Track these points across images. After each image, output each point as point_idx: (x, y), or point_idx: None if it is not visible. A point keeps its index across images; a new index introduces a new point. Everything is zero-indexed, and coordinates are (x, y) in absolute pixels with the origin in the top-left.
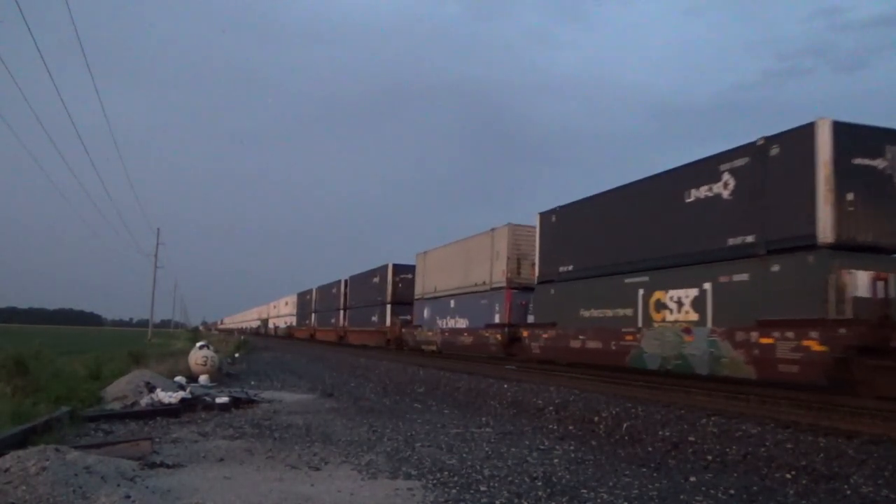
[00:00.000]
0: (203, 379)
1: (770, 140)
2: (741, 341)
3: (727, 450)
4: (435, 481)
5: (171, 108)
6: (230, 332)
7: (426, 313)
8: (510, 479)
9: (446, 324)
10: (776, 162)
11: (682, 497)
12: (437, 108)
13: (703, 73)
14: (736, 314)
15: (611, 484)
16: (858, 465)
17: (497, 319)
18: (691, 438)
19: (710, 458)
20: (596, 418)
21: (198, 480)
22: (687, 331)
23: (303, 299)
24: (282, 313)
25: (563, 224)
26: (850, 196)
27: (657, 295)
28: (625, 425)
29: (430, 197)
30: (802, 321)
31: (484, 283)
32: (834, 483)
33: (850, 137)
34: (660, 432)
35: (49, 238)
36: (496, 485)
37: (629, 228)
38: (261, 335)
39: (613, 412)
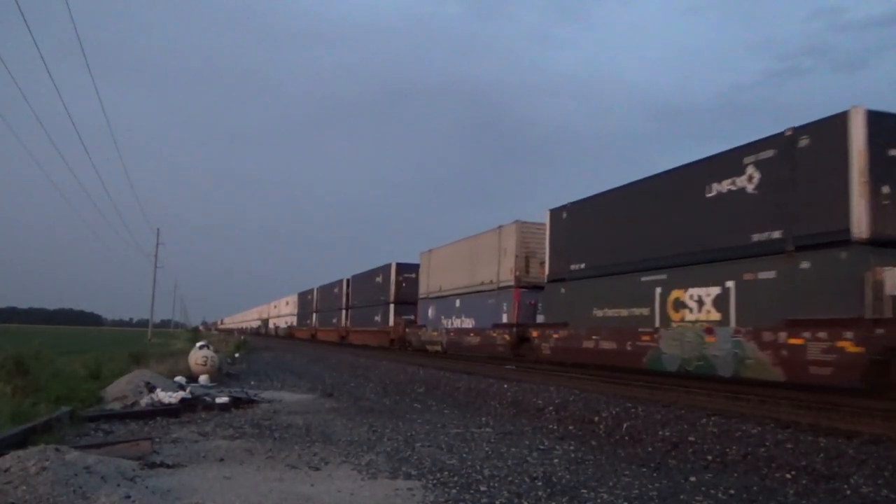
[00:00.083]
0: (203, 379)
1: (799, 131)
2: (768, 342)
3: (727, 450)
4: (435, 481)
5: (171, 108)
6: (230, 332)
7: (431, 313)
8: (510, 479)
9: (452, 324)
10: (805, 154)
11: (682, 497)
12: (437, 108)
13: (703, 74)
14: (761, 313)
15: (611, 484)
16: (858, 465)
17: (505, 319)
18: (691, 438)
19: (710, 458)
20: (596, 418)
21: (198, 480)
22: (709, 331)
23: (304, 299)
24: (282, 313)
25: (574, 221)
26: (885, 189)
27: (676, 293)
28: (625, 425)
29: (431, 197)
30: (836, 321)
31: (491, 281)
32: (834, 483)
33: (885, 127)
34: (660, 432)
35: (49, 238)
36: (496, 485)
37: (645, 225)
38: (261, 335)
39: (613, 412)
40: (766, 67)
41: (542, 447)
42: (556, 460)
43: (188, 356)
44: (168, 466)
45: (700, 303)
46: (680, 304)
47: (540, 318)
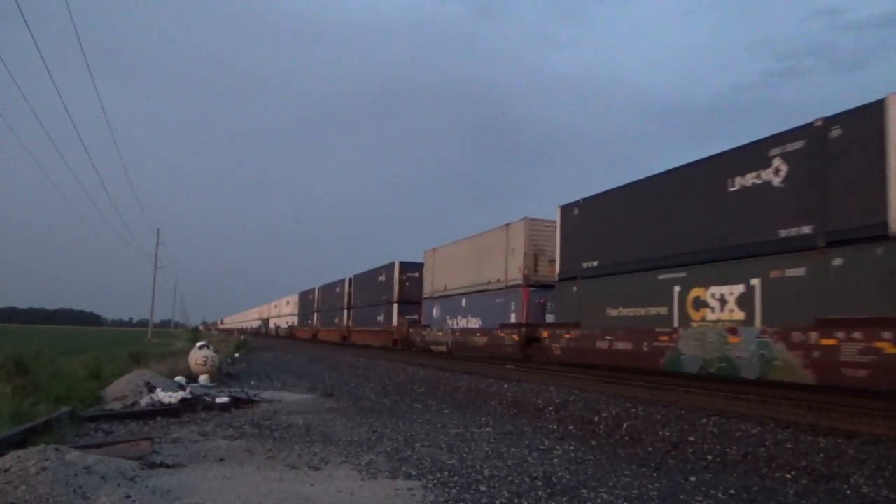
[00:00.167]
0: (203, 379)
1: (830, 120)
2: (798, 342)
3: (727, 450)
4: (435, 481)
5: (171, 108)
6: (230, 332)
7: (435, 313)
8: (510, 479)
9: (457, 324)
10: (838, 144)
11: (682, 497)
12: (437, 108)
13: (703, 74)
14: (789, 312)
15: (611, 484)
16: (858, 465)
17: (513, 319)
18: (691, 438)
19: (710, 458)
20: (596, 418)
21: (198, 480)
22: (732, 331)
23: (305, 299)
24: (283, 313)
25: (587, 217)
26: None
27: (696, 292)
28: (625, 425)
29: (431, 196)
30: (873, 320)
31: (498, 280)
32: (834, 483)
33: None
34: (660, 432)
35: (49, 238)
36: (496, 485)
37: (663, 221)
38: (261, 335)
39: (613, 412)
40: (766, 67)
41: (542, 447)
42: (556, 460)
43: (188, 356)
44: (168, 466)
45: (722, 301)
46: (700, 303)
47: (550, 318)
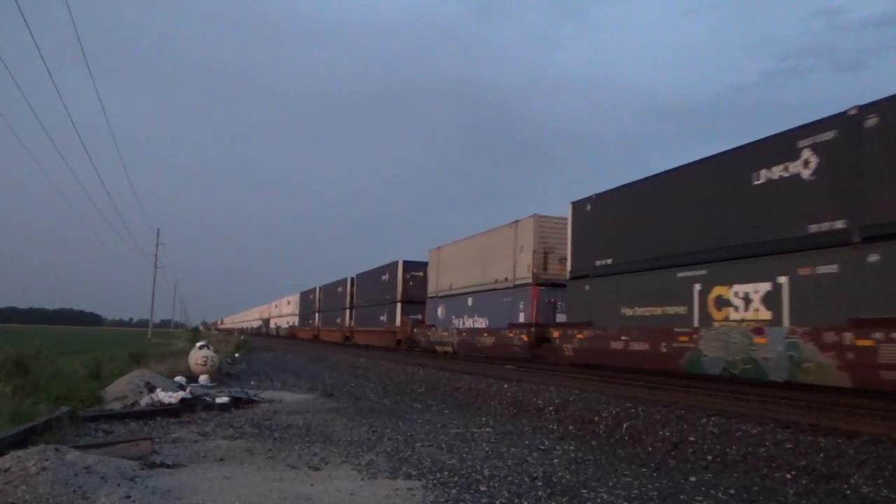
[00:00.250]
0: (203, 379)
1: (865, 109)
2: (831, 343)
3: (727, 450)
4: (435, 481)
5: (171, 108)
6: (230, 332)
7: (440, 312)
8: (510, 479)
9: (463, 323)
10: (874, 134)
11: (682, 497)
12: (437, 108)
13: (703, 74)
14: (820, 312)
15: (611, 484)
16: (858, 465)
17: (522, 319)
18: (691, 438)
19: (710, 458)
20: (596, 418)
21: (198, 480)
22: (758, 331)
23: (306, 299)
24: (283, 313)
25: (600, 213)
26: None
27: (718, 290)
28: (625, 425)
29: (431, 196)
30: None
31: (506, 279)
32: (834, 483)
33: None
34: (660, 432)
35: (49, 238)
36: (496, 485)
37: (682, 216)
38: (262, 335)
39: (613, 412)
40: (766, 67)
41: (542, 447)
42: (556, 460)
43: (188, 356)
44: (168, 466)
45: (747, 300)
46: (723, 302)
47: (560, 318)
